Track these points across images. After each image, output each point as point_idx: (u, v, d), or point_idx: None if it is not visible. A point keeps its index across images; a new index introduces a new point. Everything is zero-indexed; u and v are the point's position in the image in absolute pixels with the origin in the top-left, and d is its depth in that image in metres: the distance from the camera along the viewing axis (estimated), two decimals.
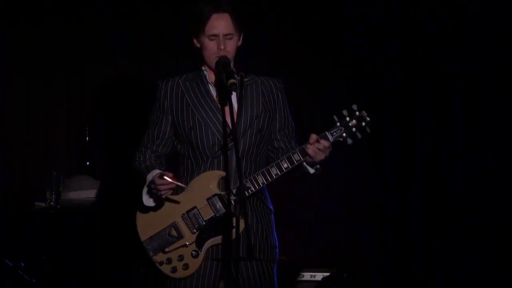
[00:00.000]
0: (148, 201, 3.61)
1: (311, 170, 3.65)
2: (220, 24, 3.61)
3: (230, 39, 3.62)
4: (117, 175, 5.69)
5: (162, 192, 3.54)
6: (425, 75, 6.06)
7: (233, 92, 3.54)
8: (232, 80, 3.45)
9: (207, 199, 3.60)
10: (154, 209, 3.64)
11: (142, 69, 5.86)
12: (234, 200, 3.52)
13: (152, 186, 3.56)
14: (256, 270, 3.63)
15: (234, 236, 3.42)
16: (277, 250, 3.72)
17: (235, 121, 3.48)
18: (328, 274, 5.40)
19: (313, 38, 6.22)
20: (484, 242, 5.80)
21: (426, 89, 6.05)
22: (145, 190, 3.62)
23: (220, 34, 3.60)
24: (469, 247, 5.85)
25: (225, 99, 3.60)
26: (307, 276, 5.39)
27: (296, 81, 5.84)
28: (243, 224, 3.37)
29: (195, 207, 3.61)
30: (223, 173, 3.59)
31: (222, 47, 3.60)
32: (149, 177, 3.62)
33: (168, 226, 3.61)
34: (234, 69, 3.66)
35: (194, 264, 3.59)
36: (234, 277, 3.44)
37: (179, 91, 3.71)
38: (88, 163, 5.63)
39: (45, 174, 5.24)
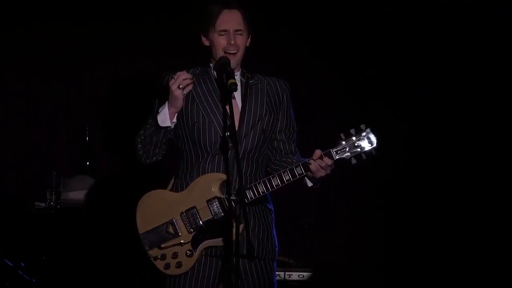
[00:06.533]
0: (164, 119, 3.53)
1: (309, 184, 3.62)
2: (231, 19, 3.60)
3: (240, 35, 3.62)
4: (117, 175, 5.69)
5: (184, 84, 3.47)
6: None
7: (233, 91, 3.52)
8: (232, 80, 3.44)
9: (207, 201, 3.57)
10: (155, 203, 3.62)
11: (142, 69, 5.86)
12: (234, 201, 3.47)
13: (173, 82, 3.46)
14: (255, 268, 3.62)
15: (232, 238, 3.38)
16: (277, 248, 3.70)
17: (238, 121, 3.50)
18: (326, 274, 5.40)
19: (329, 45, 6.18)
20: None
21: None
22: (162, 110, 3.53)
23: (231, 30, 3.60)
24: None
25: (225, 99, 3.56)
26: (306, 276, 5.39)
27: (308, 88, 5.86)
28: (242, 227, 3.38)
29: (194, 207, 3.59)
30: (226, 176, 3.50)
31: (232, 42, 3.59)
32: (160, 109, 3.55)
33: (166, 222, 3.59)
34: (243, 70, 3.67)
35: (188, 263, 3.58)
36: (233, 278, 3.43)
37: None
38: (88, 163, 5.64)
39: (45, 174, 5.25)
